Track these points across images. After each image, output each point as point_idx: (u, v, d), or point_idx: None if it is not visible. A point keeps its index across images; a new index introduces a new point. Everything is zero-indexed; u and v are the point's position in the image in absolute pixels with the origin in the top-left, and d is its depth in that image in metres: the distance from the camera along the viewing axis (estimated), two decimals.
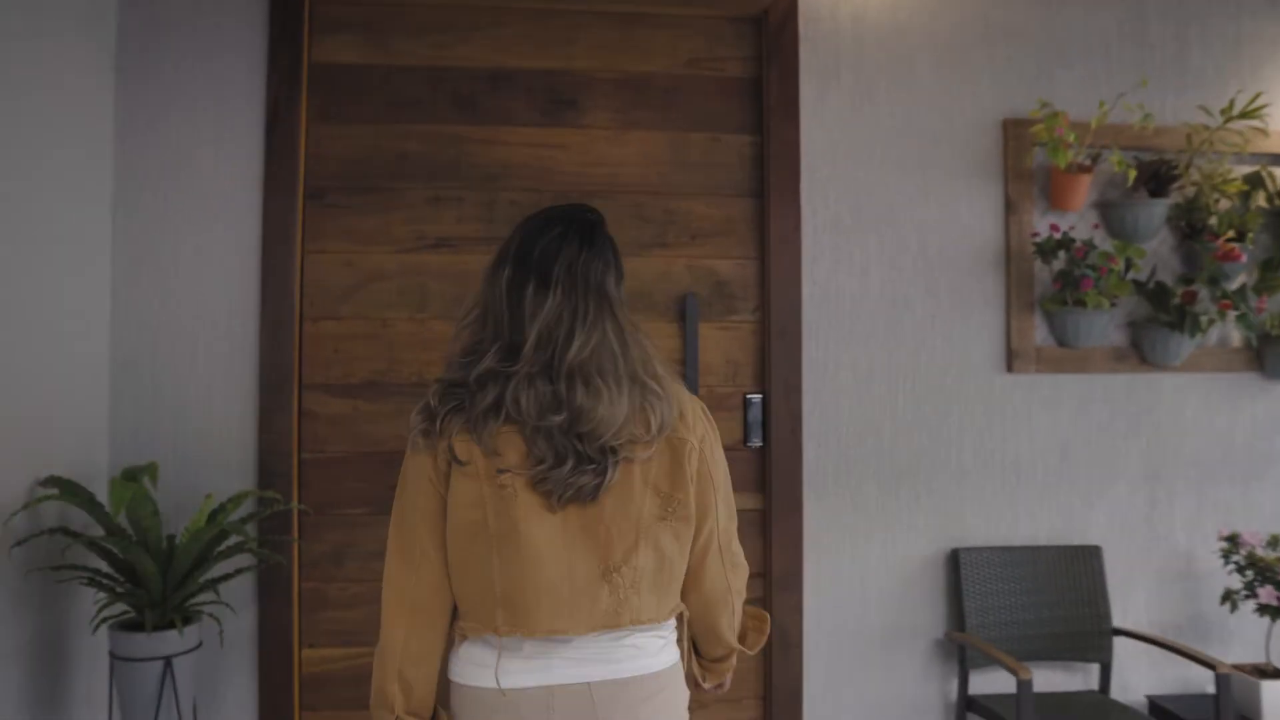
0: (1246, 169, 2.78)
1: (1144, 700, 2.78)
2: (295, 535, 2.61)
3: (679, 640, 1.46)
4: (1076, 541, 2.83)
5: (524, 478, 1.29)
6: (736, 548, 1.52)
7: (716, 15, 2.87)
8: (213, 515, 2.23)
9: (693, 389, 2.74)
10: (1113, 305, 2.72)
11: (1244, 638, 2.80)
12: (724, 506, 1.45)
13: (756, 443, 2.80)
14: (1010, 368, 2.81)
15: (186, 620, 2.12)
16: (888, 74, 2.81)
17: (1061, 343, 2.81)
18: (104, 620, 1.98)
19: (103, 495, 2.26)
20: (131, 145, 2.59)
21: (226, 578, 2.29)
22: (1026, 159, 2.82)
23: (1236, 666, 2.65)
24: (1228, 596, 2.64)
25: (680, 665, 1.44)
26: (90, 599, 2.25)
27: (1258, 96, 2.73)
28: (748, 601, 1.58)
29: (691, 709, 1.46)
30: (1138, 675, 2.82)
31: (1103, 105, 2.69)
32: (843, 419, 2.81)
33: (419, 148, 2.77)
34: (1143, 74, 2.84)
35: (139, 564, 1.96)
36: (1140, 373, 2.84)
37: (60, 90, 2.32)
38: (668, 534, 1.35)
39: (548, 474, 1.28)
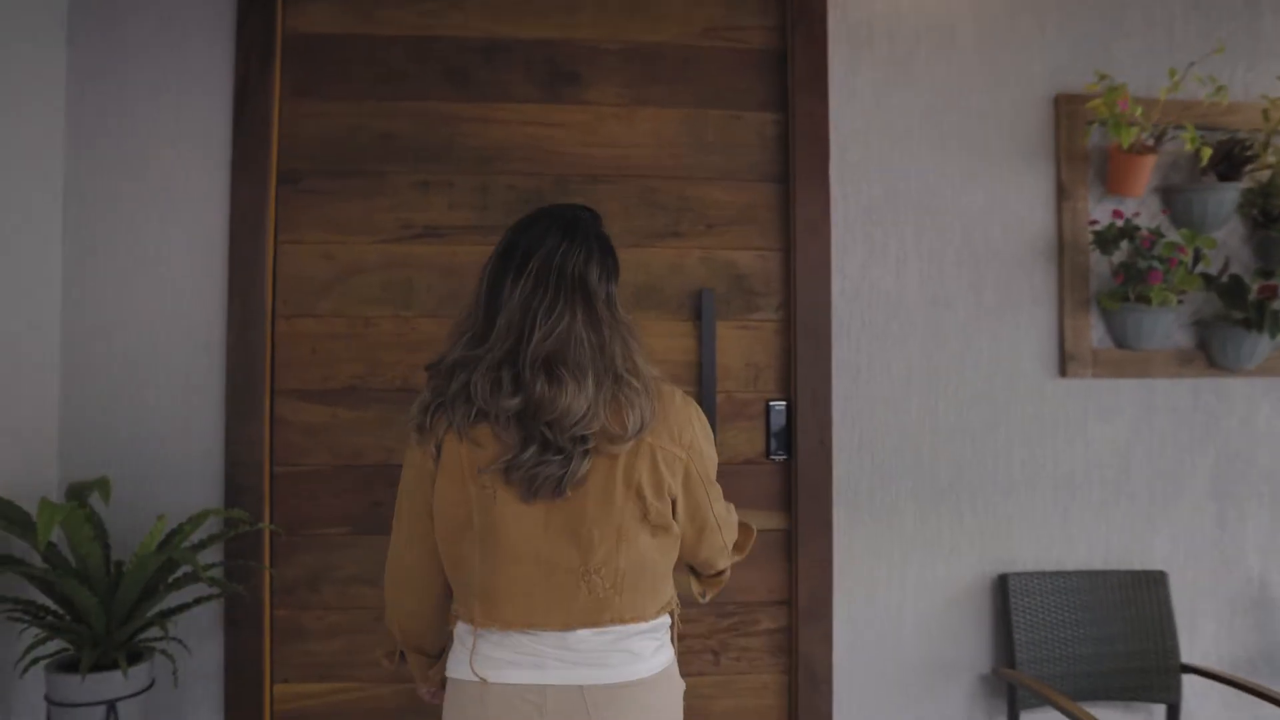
0: None
1: None
2: (266, 560, 2.41)
3: (673, 638, 1.54)
4: (1138, 566, 2.64)
5: (499, 475, 1.37)
6: (726, 512, 1.61)
7: None
8: (169, 538, 2.01)
9: (709, 395, 2.55)
10: (1179, 302, 2.48)
11: None
12: (716, 500, 1.55)
13: (781, 455, 2.59)
14: (1063, 372, 2.62)
15: (134, 658, 1.90)
16: (926, 44, 2.62)
17: (1121, 344, 2.60)
18: (34, 660, 1.75)
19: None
20: (84, 124, 2.41)
21: (184, 608, 2.09)
22: (1081, 139, 2.62)
23: None
24: None
25: (675, 666, 1.52)
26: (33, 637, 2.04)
27: None
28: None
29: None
30: (1208, 717, 2.57)
31: (1174, 74, 2.47)
32: (877, 429, 2.61)
33: (405, 127, 2.58)
34: (1210, 43, 2.62)
35: (75, 596, 1.75)
36: (1208, 377, 2.64)
37: (3, 62, 2.15)
38: (647, 537, 1.43)
39: (512, 462, 1.35)
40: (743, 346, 2.64)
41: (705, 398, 2.54)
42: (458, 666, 1.45)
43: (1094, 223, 2.56)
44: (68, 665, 1.89)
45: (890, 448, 2.63)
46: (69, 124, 2.41)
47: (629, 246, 2.59)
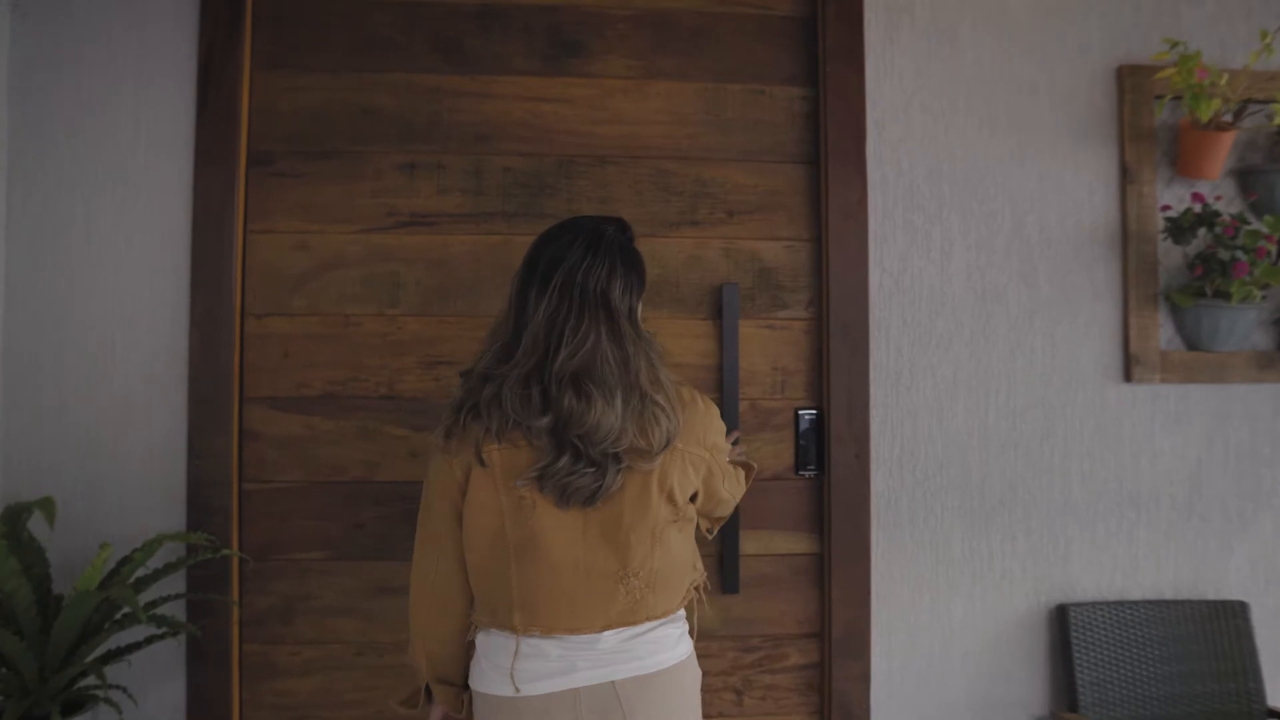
0: None
1: None
2: (234, 590, 2.23)
3: (693, 625, 1.65)
4: (1213, 595, 2.45)
5: (534, 483, 1.44)
6: (736, 483, 1.79)
7: None
8: (118, 568, 1.81)
9: (731, 403, 2.37)
10: (1263, 298, 2.27)
11: None
12: (728, 479, 1.71)
13: (811, 471, 2.41)
14: (1128, 376, 2.44)
15: (74, 708, 1.69)
16: (973, 10, 2.44)
17: (1193, 345, 2.42)
18: None
19: None
20: (31, 100, 2.24)
21: (134, 647, 1.90)
22: (1148, 114, 2.44)
23: None
24: None
25: (694, 654, 1.61)
26: None
27: None
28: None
29: None
30: None
31: (1265, 36, 2.24)
32: (920, 441, 2.43)
33: (389, 102, 2.39)
34: None
35: None
36: None
37: None
38: (676, 533, 1.53)
39: (545, 470, 1.43)
40: (769, 348, 2.45)
41: (727, 405, 2.36)
42: (488, 681, 1.50)
43: (1167, 208, 2.36)
44: None
45: (934, 462, 2.44)
46: (11, 100, 2.23)
47: (641, 236, 2.30)
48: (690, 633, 1.63)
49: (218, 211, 2.28)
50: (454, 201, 2.40)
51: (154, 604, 1.93)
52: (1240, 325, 2.35)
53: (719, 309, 2.40)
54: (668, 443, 1.45)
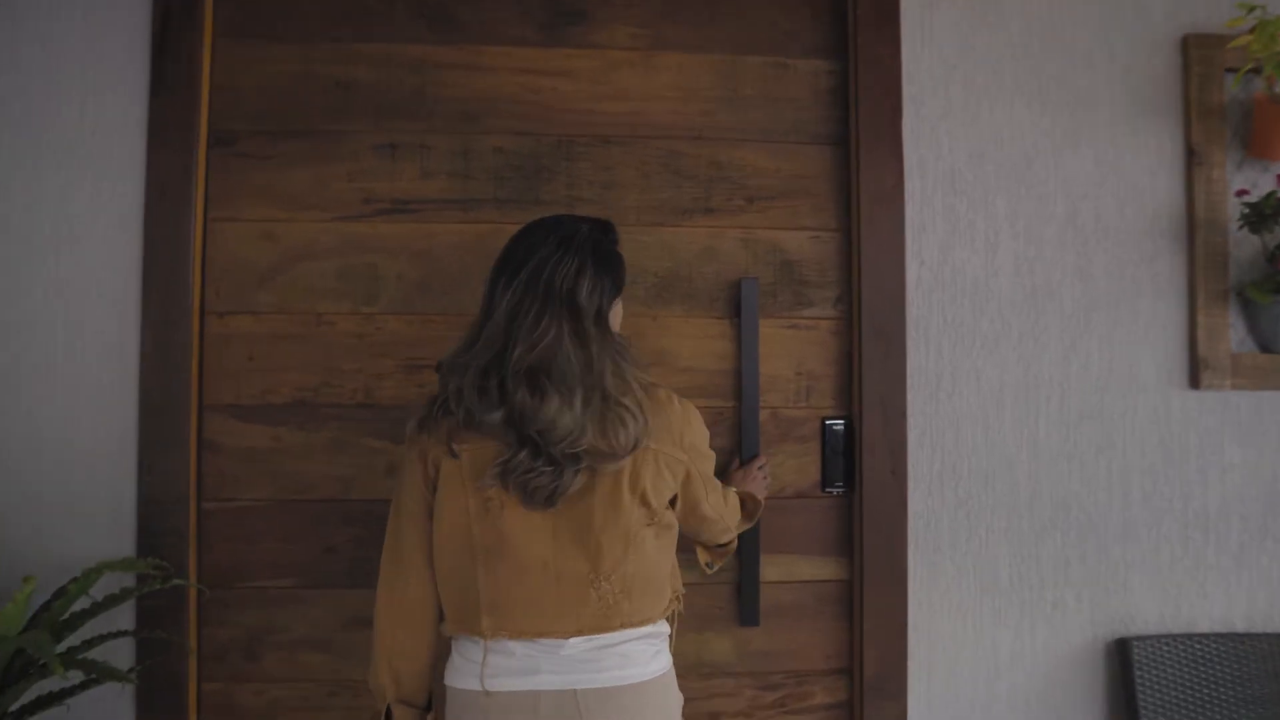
0: None
1: None
2: (191, 624, 2.06)
3: (671, 641, 1.61)
4: None
5: (498, 480, 1.45)
6: (722, 502, 1.77)
7: None
8: (52, 600, 1.62)
9: (750, 412, 2.20)
10: None
11: None
12: (713, 492, 1.71)
13: (839, 488, 2.25)
14: (1195, 383, 2.27)
15: None
16: None
17: (1268, 347, 2.26)
18: None
19: None
20: None
21: (69, 692, 1.69)
22: (1217, 89, 2.26)
23: None
24: None
25: (672, 671, 1.57)
26: None
27: None
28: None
29: None
30: None
31: None
32: (962, 454, 2.25)
33: (368, 75, 2.22)
34: None
35: None
36: None
37: None
38: (653, 539, 1.53)
39: (506, 465, 1.43)
40: (792, 351, 2.27)
41: (746, 415, 2.20)
42: (459, 674, 1.51)
43: (1243, 193, 2.18)
44: None
45: (978, 478, 2.26)
46: None
47: (649, 225, 2.25)
48: (670, 647, 1.62)
49: (174, 198, 2.10)
50: (439, 186, 2.23)
51: (94, 642, 1.74)
52: None
53: (736, 307, 2.23)
54: (635, 445, 1.44)
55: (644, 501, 1.50)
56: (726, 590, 2.21)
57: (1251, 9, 2.10)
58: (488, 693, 1.46)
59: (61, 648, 1.71)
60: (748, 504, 1.92)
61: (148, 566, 1.89)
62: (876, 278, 2.20)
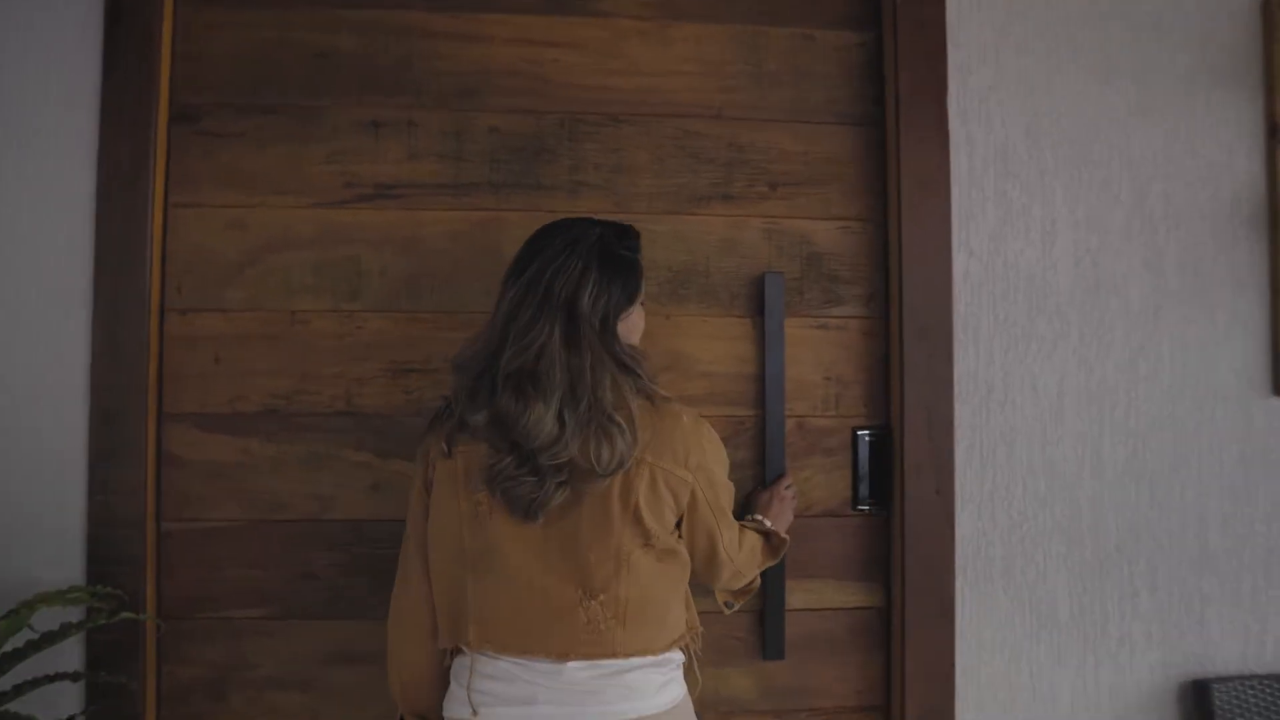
0: None
1: None
2: (148, 661, 1.89)
3: (688, 672, 1.54)
4: None
5: (485, 487, 1.44)
6: (737, 546, 1.64)
7: None
8: None
9: (775, 420, 2.03)
10: None
11: None
12: (727, 530, 1.60)
13: (870, 506, 2.08)
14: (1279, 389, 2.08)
15: None
16: None
17: None
18: None
19: None
20: None
21: None
22: None
23: None
24: None
25: (687, 702, 1.51)
26: None
27: None
28: None
29: None
30: None
31: None
32: (1016, 471, 2.06)
33: (351, 44, 2.05)
34: None
35: None
36: None
37: None
38: (652, 562, 1.46)
39: (492, 469, 1.42)
40: (820, 353, 2.11)
41: (771, 424, 2.03)
42: (453, 702, 1.48)
43: None
44: None
45: (1034, 498, 2.06)
46: None
47: (662, 213, 2.09)
48: (690, 678, 1.56)
49: (129, 180, 1.93)
50: (429, 169, 2.05)
51: (31, 685, 1.60)
52: None
53: (759, 304, 2.05)
54: (619, 465, 1.39)
55: (637, 519, 1.43)
56: (747, 620, 2.04)
57: None
58: (475, 711, 1.43)
59: None
60: (772, 539, 1.80)
61: (89, 598, 1.70)
62: (919, 271, 2.01)
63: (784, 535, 1.79)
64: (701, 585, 1.69)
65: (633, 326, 1.55)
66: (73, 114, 1.92)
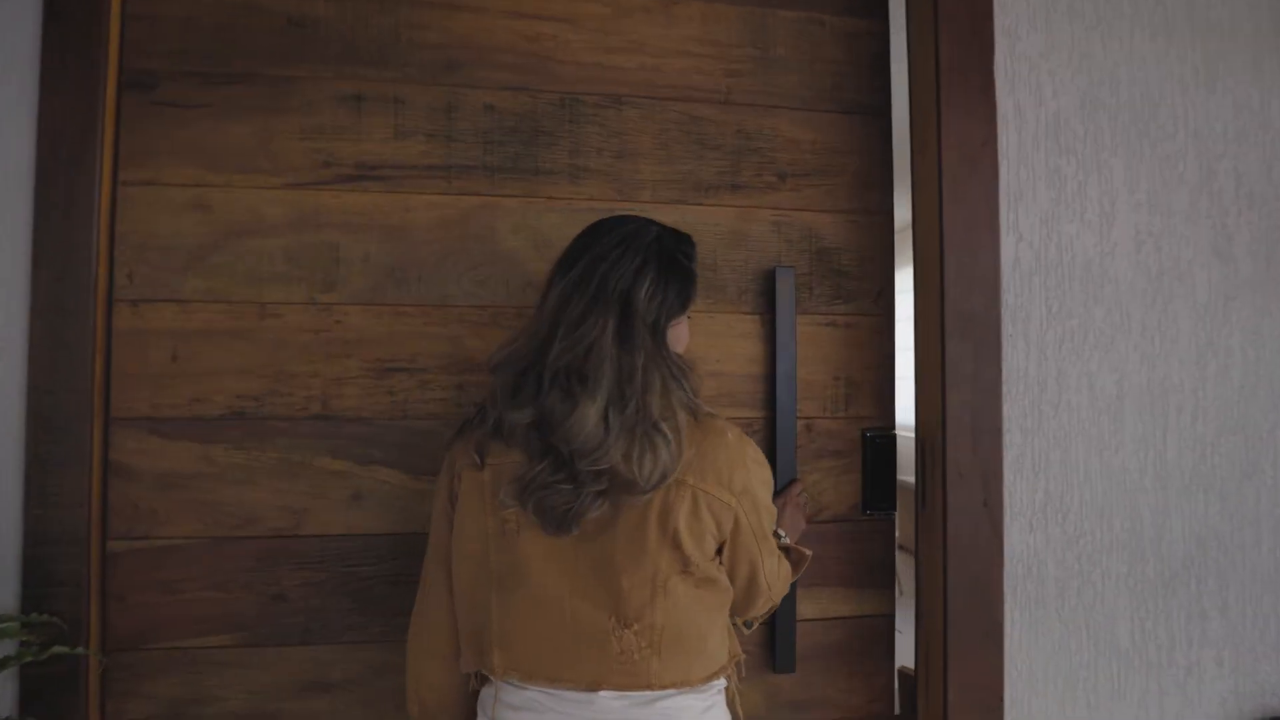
0: None
1: None
2: (90, 701, 1.48)
3: (730, 697, 1.34)
4: None
5: (516, 498, 1.21)
6: (777, 569, 1.38)
7: None
8: None
9: (786, 422, 1.69)
10: None
11: None
12: (769, 556, 1.34)
13: (884, 510, 1.72)
14: None
15: None
16: None
17: None
18: None
19: None
20: None
21: None
22: None
23: None
24: None
25: None
26: None
27: None
28: None
29: None
30: None
31: None
32: (1072, 481, 1.65)
33: (329, 10, 1.65)
34: None
35: None
36: None
37: None
38: (689, 589, 1.23)
39: (525, 479, 1.19)
40: (829, 352, 1.76)
41: (782, 428, 1.69)
42: None
43: None
44: None
45: (1092, 510, 1.65)
46: None
47: (667, 202, 1.72)
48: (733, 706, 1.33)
49: (72, 154, 1.52)
50: (417, 149, 1.66)
51: None
52: None
53: (768, 300, 1.71)
54: (662, 478, 1.16)
55: (676, 544, 1.19)
56: (757, 632, 1.70)
57: None
58: None
59: None
60: (792, 554, 1.53)
61: (20, 630, 1.28)
62: (964, 256, 1.59)
63: (805, 551, 1.52)
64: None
65: (678, 337, 1.31)
66: (5, 76, 1.46)
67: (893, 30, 1.79)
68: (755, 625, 1.55)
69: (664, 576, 1.19)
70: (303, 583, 1.59)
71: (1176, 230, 1.67)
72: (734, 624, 1.49)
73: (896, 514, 1.72)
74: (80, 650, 1.36)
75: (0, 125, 1.47)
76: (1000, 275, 1.61)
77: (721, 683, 1.31)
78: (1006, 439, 1.59)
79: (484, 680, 1.31)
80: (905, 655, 1.76)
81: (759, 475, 1.28)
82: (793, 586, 1.63)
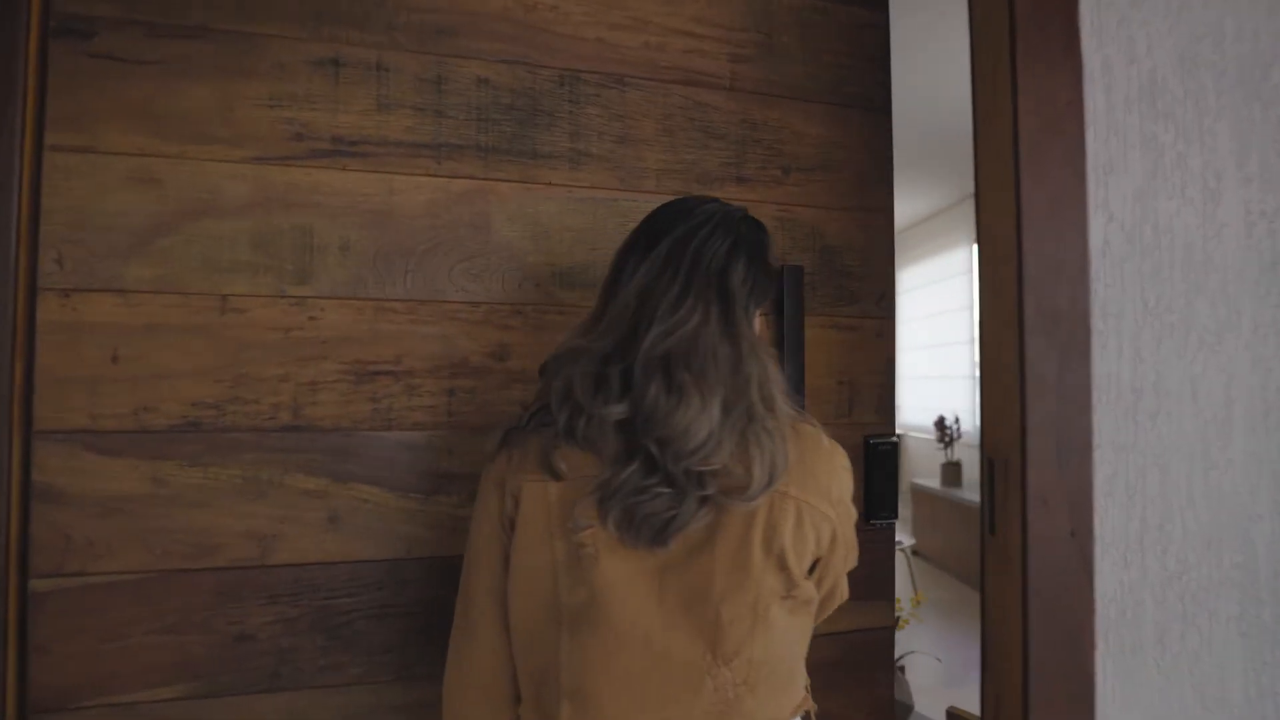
0: None
1: None
2: None
3: None
4: None
5: (594, 509, 0.91)
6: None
7: None
8: None
9: None
10: None
11: None
12: (849, 565, 1.05)
13: (886, 519, 1.41)
14: None
15: None
16: None
17: None
18: None
19: None
20: None
21: None
22: None
23: None
24: None
25: None
26: None
27: None
28: None
29: None
30: None
31: None
32: (1174, 506, 1.25)
33: None
34: None
35: None
36: None
37: None
38: (786, 619, 0.95)
39: (608, 484, 0.90)
40: (834, 356, 1.47)
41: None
42: None
43: None
44: None
45: (1197, 540, 1.24)
46: None
47: (672, 193, 1.38)
48: None
49: None
50: (403, 123, 1.29)
51: None
52: None
53: (778, 300, 1.39)
54: (771, 479, 0.89)
55: (781, 564, 0.92)
56: None
57: None
58: None
59: None
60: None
61: None
62: (1044, 242, 1.22)
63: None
64: None
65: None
66: None
67: (894, 21, 1.44)
68: None
69: (765, 604, 0.92)
70: (272, 619, 1.21)
71: None
72: None
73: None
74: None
75: None
76: (1089, 262, 1.21)
77: (800, 716, 1.06)
78: (1097, 456, 1.20)
79: None
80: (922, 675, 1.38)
81: (847, 483, 1.01)
82: None
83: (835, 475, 1.00)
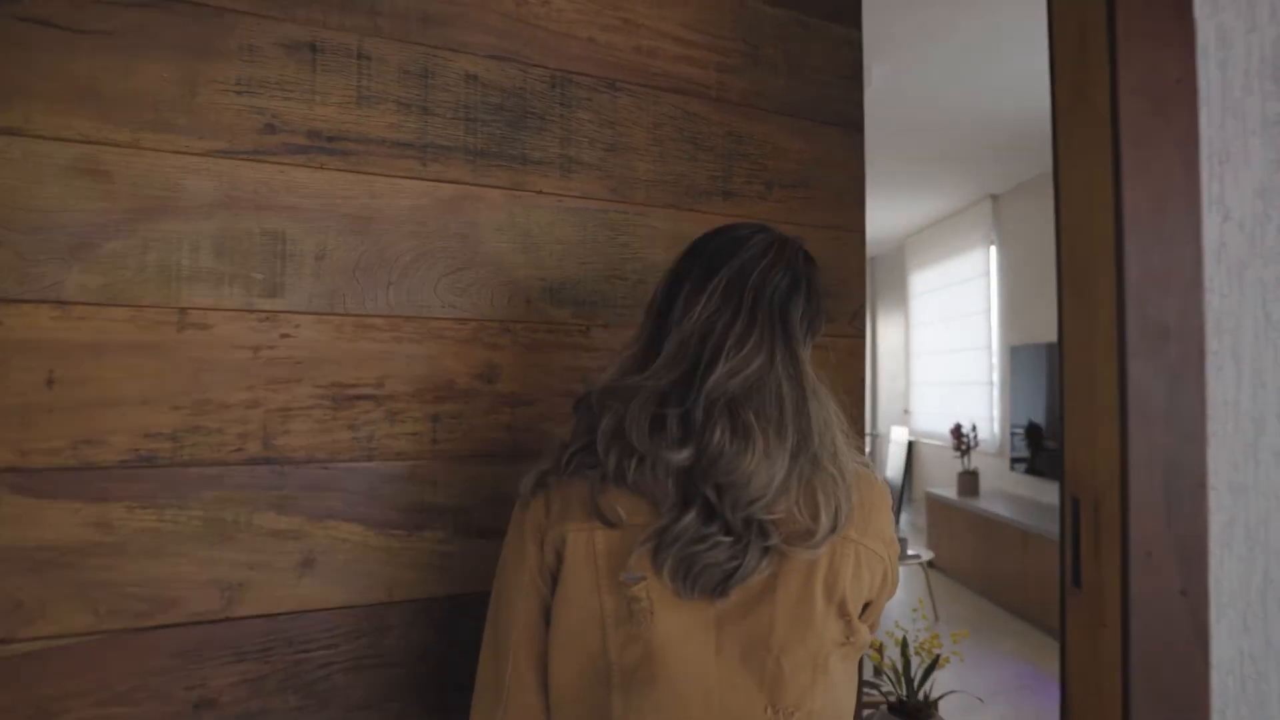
0: None
1: None
2: None
3: None
4: None
5: (649, 559, 0.82)
6: None
7: None
8: None
9: None
10: None
11: None
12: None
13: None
14: None
15: None
16: None
17: None
18: None
19: None
20: None
21: None
22: None
23: None
24: None
25: None
26: None
27: None
28: None
29: None
30: None
31: None
32: None
33: None
34: None
35: None
36: None
37: None
38: (841, 666, 0.89)
39: (664, 531, 0.82)
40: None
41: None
42: None
43: None
44: None
45: None
46: None
47: (661, 206, 1.34)
48: None
49: None
50: (385, 119, 1.15)
51: None
52: None
53: None
54: (835, 528, 0.83)
55: (842, 611, 0.87)
56: None
57: None
58: None
59: None
60: None
61: None
62: (1149, 246, 1.07)
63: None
64: None
65: None
66: None
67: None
68: None
69: (825, 652, 0.87)
70: (238, 680, 1.02)
71: None
72: None
73: None
74: None
75: None
76: (1203, 270, 1.04)
77: None
78: (1211, 499, 1.05)
79: None
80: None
81: (890, 518, 0.96)
82: None
83: (886, 514, 0.96)
